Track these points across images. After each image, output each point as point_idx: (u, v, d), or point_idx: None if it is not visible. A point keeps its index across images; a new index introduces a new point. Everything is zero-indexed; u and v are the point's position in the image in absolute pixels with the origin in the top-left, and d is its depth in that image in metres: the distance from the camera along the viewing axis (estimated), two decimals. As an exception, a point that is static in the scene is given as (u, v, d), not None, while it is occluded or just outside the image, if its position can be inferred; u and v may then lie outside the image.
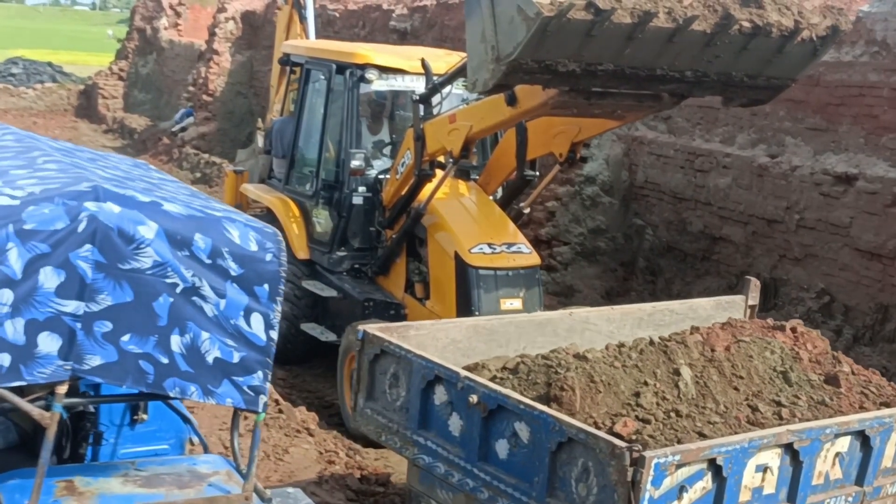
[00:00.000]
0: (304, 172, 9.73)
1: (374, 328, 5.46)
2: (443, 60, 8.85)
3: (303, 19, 11.45)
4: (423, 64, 8.58)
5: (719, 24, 6.16)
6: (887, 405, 5.60)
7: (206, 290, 3.32)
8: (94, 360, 3.19)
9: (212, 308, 3.34)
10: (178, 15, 25.95)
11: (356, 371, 5.54)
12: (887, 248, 9.87)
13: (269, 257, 3.45)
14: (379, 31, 16.52)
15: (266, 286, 3.43)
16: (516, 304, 8.14)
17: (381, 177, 9.07)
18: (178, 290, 3.28)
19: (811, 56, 6.80)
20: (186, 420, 4.21)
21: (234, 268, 3.37)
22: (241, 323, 3.39)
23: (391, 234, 8.92)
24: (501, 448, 4.66)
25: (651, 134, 12.43)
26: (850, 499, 4.96)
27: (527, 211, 9.18)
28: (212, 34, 20.29)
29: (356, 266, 9.16)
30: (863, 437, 4.93)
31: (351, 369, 8.37)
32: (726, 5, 6.21)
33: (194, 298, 3.31)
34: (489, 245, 8.22)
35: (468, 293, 8.08)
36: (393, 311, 8.63)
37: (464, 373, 4.91)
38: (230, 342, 3.37)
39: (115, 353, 3.22)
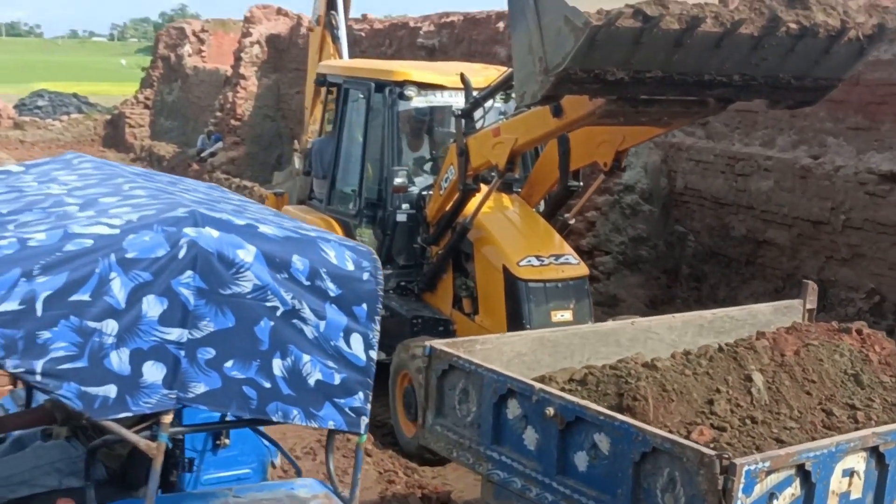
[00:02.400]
0: (345, 192, 9.70)
1: (441, 343, 5.41)
2: (481, 75, 8.84)
3: (336, 40, 11.48)
4: (463, 79, 8.57)
5: (767, 27, 6.10)
6: (965, 404, 5.49)
7: (306, 312, 3.29)
8: (199, 388, 3.16)
9: (312, 330, 3.30)
10: (201, 42, 26.12)
11: (424, 387, 5.49)
12: (938, 244, 9.77)
13: (366, 276, 3.43)
14: (406, 49, 16.55)
15: (364, 306, 3.41)
16: (567, 315, 8.07)
17: (423, 193, 9.04)
18: (279, 313, 3.24)
19: (858, 55, 6.69)
20: (272, 443, 4.16)
21: (332, 288, 3.34)
22: (342, 344, 3.36)
23: (436, 250, 8.87)
24: (580, 460, 4.59)
25: (689, 140, 12.35)
26: (934, 501, 4.85)
27: (572, 222, 9.08)
28: (237, 59, 20.38)
29: (402, 283, 9.11)
30: (948, 438, 4.82)
31: (404, 388, 8.34)
32: (773, 7, 6.14)
33: (294, 321, 3.27)
34: (537, 257, 8.17)
35: (518, 306, 8.02)
36: (442, 328, 8.57)
37: (538, 385, 4.84)
38: (331, 364, 3.34)
39: (219, 380, 3.18)
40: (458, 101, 8.75)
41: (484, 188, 8.27)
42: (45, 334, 2.89)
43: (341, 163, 9.74)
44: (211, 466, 4.11)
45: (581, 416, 4.55)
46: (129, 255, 3.03)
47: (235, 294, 3.16)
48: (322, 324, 3.31)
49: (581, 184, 8.64)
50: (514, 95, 7.24)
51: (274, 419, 3.32)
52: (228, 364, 3.18)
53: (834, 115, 10.75)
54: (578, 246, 11.93)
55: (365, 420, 3.45)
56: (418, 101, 9.03)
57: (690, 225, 12.31)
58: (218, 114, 21.23)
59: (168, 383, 3.10)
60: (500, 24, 14.96)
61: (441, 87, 9.01)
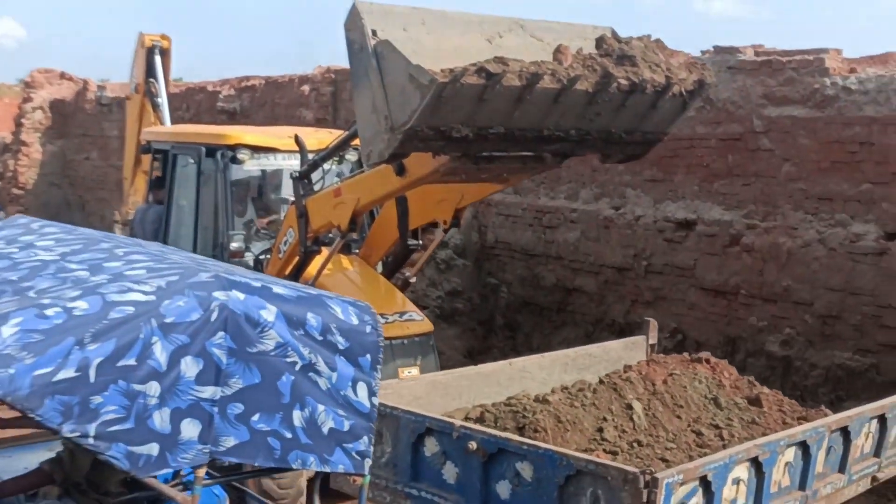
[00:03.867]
0: (179, 260, 9.53)
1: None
2: (314, 137, 8.88)
3: (156, 107, 11.39)
4: (297, 140, 8.56)
5: (600, 83, 6.50)
6: (804, 419, 6.24)
7: (321, 366, 3.52)
8: (229, 442, 3.32)
9: (325, 382, 3.53)
10: (-29, 109, 24.86)
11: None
12: (729, 285, 10.78)
13: (368, 329, 3.69)
14: (206, 113, 16.53)
15: (368, 356, 3.66)
16: (414, 371, 8.13)
17: (261, 257, 8.95)
18: (298, 367, 3.46)
19: (681, 110, 7.23)
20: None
21: (341, 342, 3.58)
22: (350, 393, 3.60)
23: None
24: (503, 489, 4.91)
25: (498, 196, 13.02)
26: (796, 502, 5.49)
27: (413, 280, 9.25)
28: (18, 125, 19.61)
29: None
30: (804, 447, 5.49)
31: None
32: (604, 65, 6.58)
33: (311, 374, 3.49)
34: (381, 316, 8.23)
35: None
36: None
37: (459, 422, 5.16)
38: (341, 412, 3.58)
39: (247, 433, 3.36)
40: (291, 163, 8.75)
41: (325, 250, 8.29)
42: (97, 399, 3.02)
43: (171, 230, 9.55)
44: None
45: (504, 448, 4.89)
46: (167, 320, 3.18)
47: (261, 352, 3.37)
48: (334, 375, 3.56)
49: (420, 242, 8.81)
50: (360, 154, 7.32)
51: (294, 467, 3.53)
52: (255, 418, 3.38)
53: (632, 169, 11.66)
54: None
55: (369, 462, 3.70)
56: (251, 164, 8.97)
57: (503, 277, 12.95)
58: (-1, 183, 20.31)
59: (203, 439, 3.26)
60: (305, 88, 15.27)
61: (274, 150, 8.99)
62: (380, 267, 9.23)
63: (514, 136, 6.64)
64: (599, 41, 6.93)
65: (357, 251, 9.12)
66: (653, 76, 6.72)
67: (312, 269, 8.36)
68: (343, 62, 16.09)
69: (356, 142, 7.58)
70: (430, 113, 6.00)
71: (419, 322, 8.42)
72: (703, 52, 11.10)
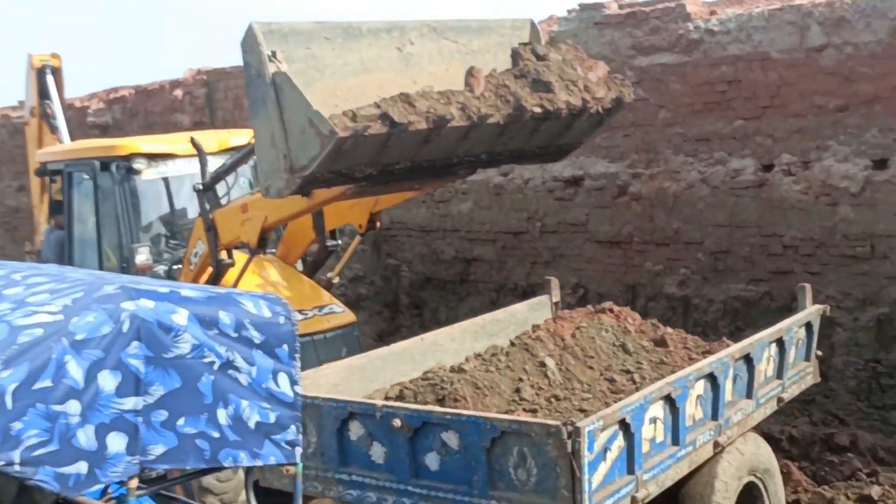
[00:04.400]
0: (87, 280, 9.24)
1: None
2: (213, 139, 8.69)
3: (54, 129, 11.05)
4: (194, 143, 8.34)
5: (512, 115, 6.34)
6: (709, 352, 6.48)
7: (239, 362, 3.55)
8: (158, 450, 3.35)
9: (246, 377, 3.57)
10: None
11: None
12: (622, 234, 11.07)
13: (282, 320, 3.72)
14: (77, 129, 16.07)
15: (285, 346, 3.69)
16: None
17: (175, 267, 8.60)
18: (216, 366, 3.49)
19: (598, 125, 7.15)
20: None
21: (256, 336, 3.61)
22: (272, 385, 3.64)
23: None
24: (432, 461, 5.00)
25: (387, 177, 13.09)
26: (711, 432, 5.72)
27: (336, 280, 9.13)
28: None
29: None
30: (712, 379, 5.71)
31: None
32: (517, 95, 6.37)
33: (230, 371, 3.53)
34: (300, 312, 7.84)
35: None
36: None
37: (380, 402, 5.23)
38: (266, 405, 3.62)
39: (175, 439, 3.38)
40: (192, 169, 8.46)
41: (239, 256, 7.99)
42: (18, 425, 3.00)
43: (76, 251, 9.25)
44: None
45: (428, 420, 4.98)
46: (78, 337, 3.17)
47: (178, 356, 3.39)
48: (253, 370, 3.59)
49: (339, 242, 8.71)
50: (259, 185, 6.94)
51: (226, 465, 3.57)
52: (181, 422, 3.40)
53: (515, 135, 11.85)
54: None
55: (299, 450, 3.76)
56: (150, 173, 8.67)
57: (402, 256, 13.03)
58: None
59: (131, 450, 3.27)
60: (177, 93, 15.05)
61: (172, 156, 8.67)
62: (300, 265, 9.09)
63: (421, 167, 6.51)
64: (515, 56, 6.77)
65: (273, 251, 8.94)
66: (569, 99, 6.60)
67: (230, 277, 8.06)
68: (213, 62, 15.86)
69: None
70: (332, 161, 5.84)
71: (340, 314, 8.33)
72: (570, 11, 11.31)
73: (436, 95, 6.10)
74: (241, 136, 8.90)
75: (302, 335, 7.45)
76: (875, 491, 7.10)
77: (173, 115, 14.92)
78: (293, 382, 3.71)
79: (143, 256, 8.39)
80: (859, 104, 9.25)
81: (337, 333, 8.15)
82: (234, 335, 3.55)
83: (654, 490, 5.13)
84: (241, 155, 7.77)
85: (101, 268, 8.76)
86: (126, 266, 8.58)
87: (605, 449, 4.80)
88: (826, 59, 9.37)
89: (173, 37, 47.70)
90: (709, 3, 10.58)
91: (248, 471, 3.84)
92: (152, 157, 8.63)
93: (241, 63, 6.05)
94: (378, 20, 6.63)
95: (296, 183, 5.97)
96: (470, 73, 6.38)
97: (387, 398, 5.85)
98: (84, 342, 3.17)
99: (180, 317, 3.41)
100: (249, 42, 5.82)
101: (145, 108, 15.48)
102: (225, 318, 3.54)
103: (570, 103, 6.55)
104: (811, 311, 6.91)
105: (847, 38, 9.22)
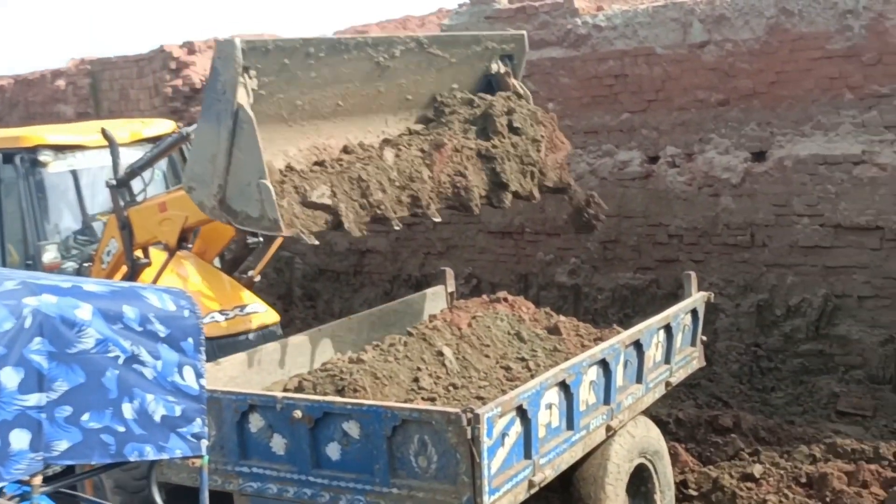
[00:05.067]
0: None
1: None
2: (125, 129, 8.29)
3: None
4: (106, 134, 7.76)
5: (462, 198, 6.51)
6: (600, 339, 6.67)
7: (144, 356, 3.56)
8: (62, 445, 3.33)
9: (151, 371, 3.58)
10: None
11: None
12: (514, 225, 11.28)
13: (186, 313, 3.74)
14: (-46, 122, 15.66)
15: (190, 340, 3.72)
16: None
17: (86, 265, 8.07)
18: (121, 361, 3.49)
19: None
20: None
21: (161, 330, 3.63)
22: (177, 378, 3.67)
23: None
24: (333, 451, 5.05)
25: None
26: (604, 416, 5.91)
27: (257, 279, 8.81)
28: None
29: None
30: (604, 365, 5.90)
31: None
32: (469, 188, 6.49)
33: (135, 366, 3.53)
34: (221, 312, 7.76)
35: None
36: None
37: (281, 394, 5.25)
38: (171, 398, 3.64)
39: (80, 434, 3.38)
40: (103, 161, 7.95)
41: (156, 255, 7.56)
42: None
43: None
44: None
45: (329, 411, 5.02)
46: None
47: (81, 351, 3.38)
48: (158, 363, 3.61)
49: (261, 240, 8.38)
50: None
51: (131, 459, 3.57)
52: (85, 417, 3.39)
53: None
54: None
55: (205, 442, 3.80)
56: (57, 165, 8.14)
57: (295, 248, 12.99)
58: None
59: (34, 447, 3.26)
60: (60, 83, 14.70)
61: (81, 147, 8.20)
62: (217, 263, 8.69)
63: None
64: (486, 116, 6.76)
65: (190, 246, 8.27)
66: (520, 187, 6.80)
67: (147, 277, 7.61)
68: (97, 52, 15.43)
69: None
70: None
71: (263, 314, 8.04)
72: (461, 5, 11.44)
73: (390, 182, 6.20)
74: (154, 127, 8.58)
75: (224, 337, 7.54)
76: (757, 469, 7.40)
77: (56, 106, 14.57)
78: (198, 375, 3.74)
79: (50, 254, 7.93)
80: (739, 98, 9.61)
81: (259, 334, 7.82)
82: (139, 329, 3.56)
83: (550, 473, 5.29)
84: (160, 150, 7.40)
85: (3, 265, 8.43)
86: (32, 264, 8.09)
87: (504, 435, 4.93)
88: (707, 55, 9.71)
89: (55, 26, 46.34)
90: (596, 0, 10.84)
91: (152, 465, 3.85)
92: (59, 149, 8.13)
93: (126, 53, 5.88)
94: (370, 36, 6.74)
95: (222, 216, 5.80)
96: (436, 146, 6.40)
97: (286, 390, 5.87)
98: None
99: (84, 311, 3.40)
100: (224, 52, 5.51)
101: (26, 98, 15.07)
102: (129, 312, 3.55)
103: (517, 193, 6.79)
104: (696, 297, 7.18)
105: (727, 35, 9.57)
